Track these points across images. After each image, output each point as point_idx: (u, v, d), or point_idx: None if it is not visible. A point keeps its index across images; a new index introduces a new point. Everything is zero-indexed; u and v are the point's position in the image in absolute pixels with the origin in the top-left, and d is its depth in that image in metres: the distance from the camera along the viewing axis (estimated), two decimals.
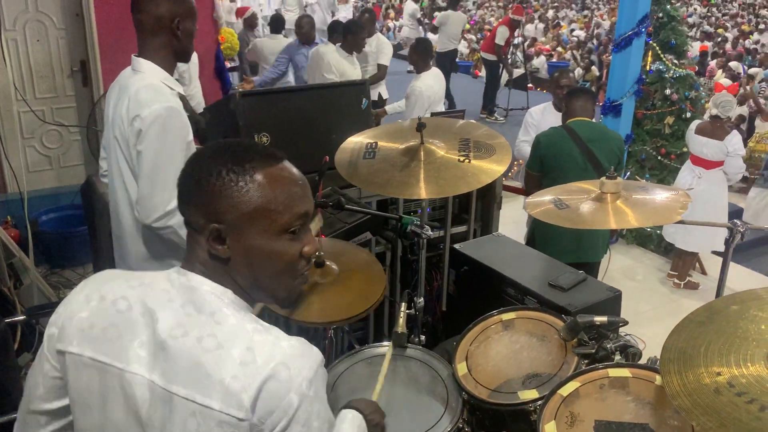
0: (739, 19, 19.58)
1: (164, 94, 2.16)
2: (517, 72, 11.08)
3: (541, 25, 18.75)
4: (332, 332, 2.67)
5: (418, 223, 2.12)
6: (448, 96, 9.03)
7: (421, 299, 2.24)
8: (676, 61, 5.81)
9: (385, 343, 2.08)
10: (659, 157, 5.91)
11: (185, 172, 1.19)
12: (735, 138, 5.02)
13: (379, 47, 6.59)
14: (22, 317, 2.74)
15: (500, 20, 11.70)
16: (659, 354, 1.46)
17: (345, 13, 11.33)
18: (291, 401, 1.07)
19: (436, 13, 13.65)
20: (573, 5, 24.66)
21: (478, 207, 3.47)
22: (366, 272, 2.14)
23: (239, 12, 9.29)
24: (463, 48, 14.65)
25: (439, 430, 1.74)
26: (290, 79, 6.58)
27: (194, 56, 4.00)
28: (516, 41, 10.82)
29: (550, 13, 21.33)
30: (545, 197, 2.08)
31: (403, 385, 1.93)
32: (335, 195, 2.41)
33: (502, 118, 9.92)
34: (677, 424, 1.53)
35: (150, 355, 1.13)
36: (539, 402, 1.70)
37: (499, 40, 9.65)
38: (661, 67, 5.78)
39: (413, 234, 2.12)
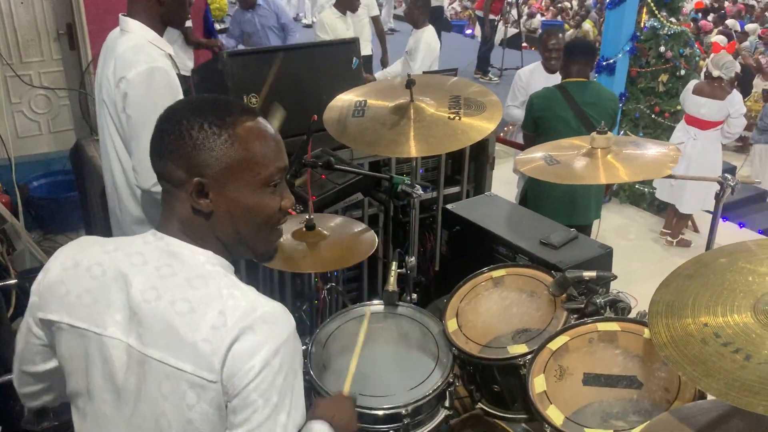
0: None
1: (151, 54, 2.11)
2: (512, 31, 10.94)
3: None
4: (326, 292, 2.69)
5: (409, 182, 2.11)
6: None
7: (413, 258, 2.24)
8: (671, 18, 5.74)
9: (376, 301, 2.09)
10: (653, 116, 5.88)
11: (161, 127, 1.17)
12: (737, 98, 4.98)
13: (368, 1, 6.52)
14: (13, 281, 2.74)
15: None
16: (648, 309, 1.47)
17: None
18: (252, 366, 1.07)
19: None
20: None
21: (471, 168, 3.45)
22: (357, 234, 2.14)
23: None
24: (456, 6, 14.43)
25: (429, 385, 1.76)
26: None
27: None
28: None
29: None
30: (536, 154, 2.07)
31: (394, 342, 1.94)
32: (325, 156, 2.39)
33: (496, 78, 9.83)
34: (664, 376, 1.55)
35: (125, 319, 1.14)
36: (528, 356, 1.72)
37: None
38: (655, 24, 5.71)
39: (405, 194, 2.11)
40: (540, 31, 13.18)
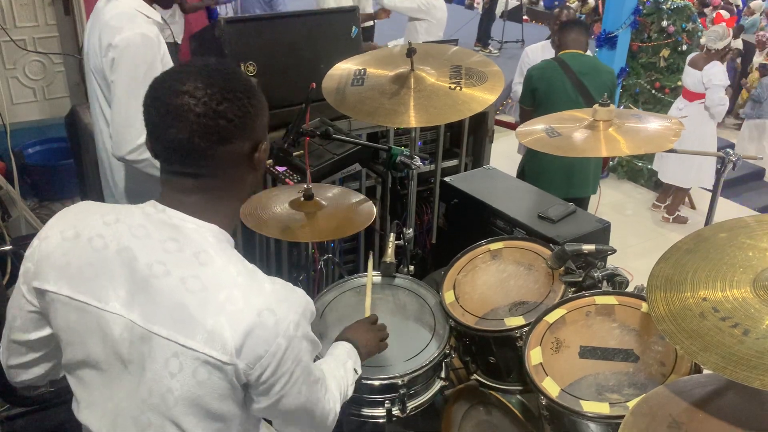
0: None
1: (137, 22, 2.07)
2: (513, 3, 10.81)
3: None
4: (322, 263, 2.69)
5: (408, 153, 2.09)
6: None
7: (411, 230, 2.23)
8: None
9: (373, 272, 2.09)
10: (653, 91, 5.85)
11: (213, 112, 1.09)
12: (714, 68, 4.91)
13: None
14: (8, 247, 2.73)
15: None
16: (646, 283, 1.46)
17: None
18: (279, 345, 1.08)
19: None
20: None
21: (470, 141, 3.43)
22: (355, 205, 2.12)
23: None
24: None
25: (426, 356, 1.77)
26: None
27: None
28: None
29: None
30: (537, 126, 2.05)
31: (391, 313, 1.94)
32: (323, 125, 2.37)
33: (496, 51, 9.74)
34: (661, 350, 1.55)
35: (128, 294, 1.12)
36: (525, 329, 1.72)
37: None
38: None
39: (403, 165, 2.09)
40: (542, 3, 13.03)
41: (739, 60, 8.49)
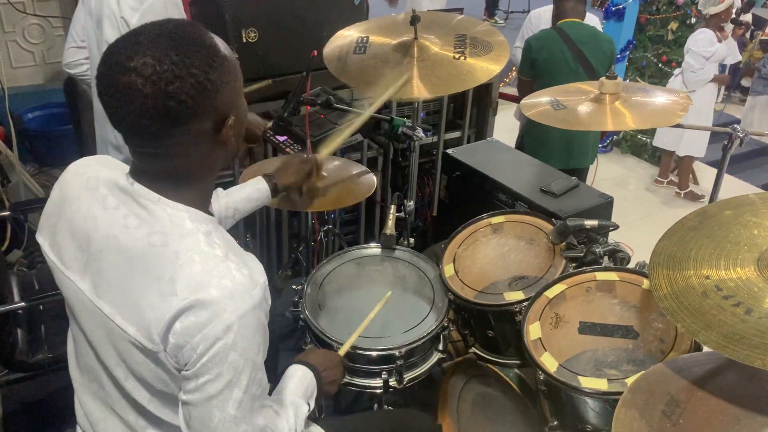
0: None
1: None
2: None
3: None
4: (322, 233, 2.67)
5: (410, 125, 2.07)
6: None
7: (411, 202, 2.21)
8: None
9: (373, 244, 2.07)
10: (660, 65, 5.77)
11: (162, 93, 0.99)
12: (699, 35, 4.83)
13: None
14: (7, 213, 2.71)
15: None
16: (647, 260, 1.45)
17: None
18: (200, 341, 1.00)
19: None
20: None
21: (473, 112, 3.39)
22: (356, 176, 2.10)
23: None
24: None
25: (424, 328, 1.76)
26: None
27: None
28: None
29: None
30: (542, 98, 2.01)
31: (390, 285, 1.93)
32: (324, 94, 2.33)
33: (502, 21, 9.60)
34: (661, 327, 1.54)
35: (83, 264, 1.11)
36: (525, 303, 1.71)
37: None
38: None
39: (405, 136, 2.07)
40: None
41: (748, 35, 8.37)
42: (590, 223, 1.80)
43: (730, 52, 5.17)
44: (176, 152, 1.06)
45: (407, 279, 1.97)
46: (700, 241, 1.36)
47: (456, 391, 2.00)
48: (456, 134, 3.35)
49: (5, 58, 4.44)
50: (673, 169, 5.42)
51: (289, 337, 2.38)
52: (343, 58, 1.99)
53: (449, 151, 2.76)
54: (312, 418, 1.41)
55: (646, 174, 5.67)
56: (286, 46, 2.75)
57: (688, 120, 1.84)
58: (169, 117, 1.00)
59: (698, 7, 4.79)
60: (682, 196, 5.25)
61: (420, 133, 2.05)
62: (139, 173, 1.10)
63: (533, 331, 1.62)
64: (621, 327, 1.59)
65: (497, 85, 3.37)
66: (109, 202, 1.10)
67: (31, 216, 2.99)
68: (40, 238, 1.20)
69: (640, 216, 4.89)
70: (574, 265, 1.82)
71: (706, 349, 1.39)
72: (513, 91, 4.89)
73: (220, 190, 1.64)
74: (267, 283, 1.09)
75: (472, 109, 3.34)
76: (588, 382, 1.46)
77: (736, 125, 1.90)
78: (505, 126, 4.30)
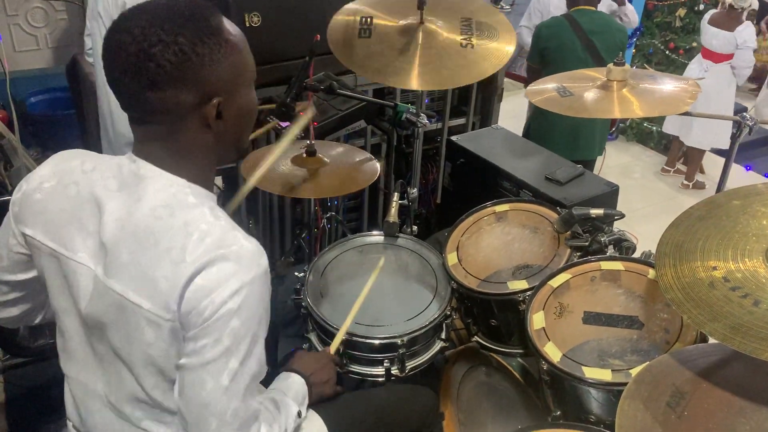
0: None
1: None
2: None
3: None
4: (325, 220, 2.66)
5: (414, 111, 2.04)
6: None
7: (415, 190, 2.19)
8: None
9: (376, 231, 2.06)
10: (667, 52, 5.71)
11: (143, 52, 1.00)
12: (747, 30, 4.78)
13: None
14: (9, 197, 2.71)
15: None
16: (652, 250, 1.43)
17: None
18: (208, 303, 1.00)
19: None
20: None
21: (478, 99, 3.36)
22: (359, 162, 2.08)
23: None
24: None
25: (426, 316, 1.75)
26: None
27: None
28: None
29: None
30: (548, 85, 1.99)
31: (393, 273, 1.92)
32: (328, 80, 2.30)
33: (508, 7, 9.51)
34: (666, 317, 1.53)
35: (96, 246, 1.09)
36: (528, 292, 1.70)
37: None
38: None
39: (409, 123, 2.04)
40: None
41: (755, 21, 8.29)
42: (596, 212, 1.78)
43: None
44: (159, 119, 1.06)
45: (410, 267, 1.95)
46: (707, 232, 1.34)
47: (458, 380, 2.00)
48: (461, 121, 3.32)
49: (8, 41, 4.42)
50: (679, 157, 5.38)
51: (290, 324, 2.37)
52: (349, 41, 1.96)
53: (453, 138, 2.74)
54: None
55: (652, 162, 5.63)
56: (290, 30, 2.72)
57: (710, 110, 1.82)
58: (146, 78, 1.01)
59: (735, 3, 4.71)
60: (690, 187, 5.21)
61: (424, 119, 2.02)
62: (139, 151, 1.10)
63: (537, 320, 1.61)
64: (626, 317, 1.57)
65: (503, 71, 3.34)
66: (110, 184, 1.10)
67: None
68: (28, 230, 1.15)
69: (646, 205, 4.86)
70: (578, 254, 1.80)
71: (711, 340, 1.38)
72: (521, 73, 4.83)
73: None
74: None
75: (477, 95, 3.31)
76: (592, 373, 1.45)
77: (745, 113, 1.87)
78: (511, 113, 4.27)
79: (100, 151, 2.50)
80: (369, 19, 2.00)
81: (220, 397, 1.04)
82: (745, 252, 1.26)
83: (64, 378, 1.30)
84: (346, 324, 1.66)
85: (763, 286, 1.19)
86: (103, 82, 2.30)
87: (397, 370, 1.73)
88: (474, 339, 1.91)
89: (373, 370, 1.74)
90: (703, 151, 5.20)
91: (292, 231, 3.04)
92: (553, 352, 1.52)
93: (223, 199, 3.30)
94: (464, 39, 1.92)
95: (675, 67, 5.67)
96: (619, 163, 5.46)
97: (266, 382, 1.28)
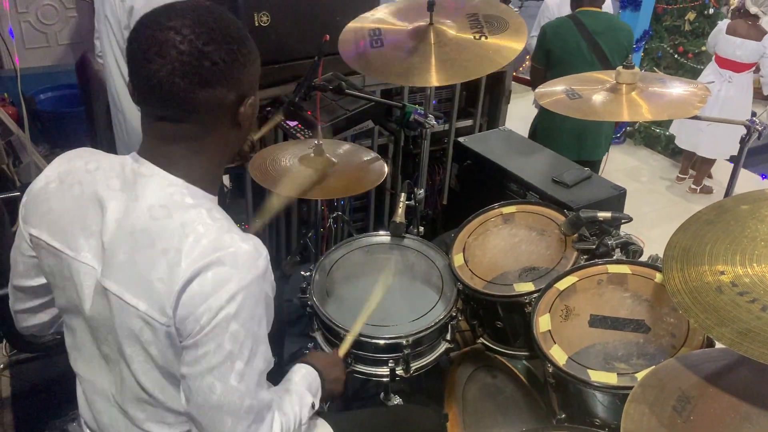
0: None
1: None
2: None
3: None
4: (331, 220, 2.66)
5: (422, 112, 2.04)
6: None
7: (422, 191, 2.20)
8: None
9: (382, 232, 2.06)
10: (676, 56, 5.68)
11: (198, 51, 1.02)
12: None
13: None
14: (17, 193, 2.72)
15: None
16: (659, 254, 1.42)
17: None
18: (203, 313, 1.00)
19: None
20: None
21: (486, 101, 3.36)
22: (366, 163, 2.08)
23: None
24: None
25: (432, 317, 1.75)
26: None
27: None
28: None
29: None
30: (557, 87, 1.98)
31: (399, 273, 1.92)
32: (336, 80, 2.31)
33: (516, 9, 9.51)
34: (673, 321, 1.52)
35: (98, 246, 1.10)
36: (535, 295, 1.70)
37: None
38: None
39: (417, 123, 2.04)
40: None
41: None
42: (603, 214, 1.78)
43: None
44: (194, 119, 1.07)
45: (416, 268, 1.95)
46: (715, 236, 1.33)
47: (463, 381, 1.99)
48: (468, 123, 3.32)
49: (18, 38, 4.44)
50: (692, 164, 5.34)
51: (296, 323, 2.37)
52: (363, 55, 1.96)
53: (461, 139, 2.73)
54: (318, 410, 1.41)
55: (659, 166, 5.61)
56: (299, 30, 2.72)
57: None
58: (200, 76, 1.02)
59: (759, 12, 4.66)
60: (698, 191, 5.18)
61: (432, 120, 2.02)
62: (150, 149, 1.11)
63: (543, 322, 1.61)
64: (632, 321, 1.57)
65: (510, 73, 3.33)
66: (113, 184, 1.10)
67: None
68: (33, 230, 1.15)
69: (653, 209, 4.84)
70: (585, 257, 1.80)
71: (718, 345, 1.38)
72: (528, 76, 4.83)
73: None
74: (268, 256, 1.09)
75: (484, 97, 3.31)
76: (597, 376, 1.45)
77: (754, 118, 1.87)
78: (518, 115, 4.26)
79: (109, 148, 2.51)
80: (377, 31, 2.01)
81: (232, 398, 1.04)
82: (754, 257, 1.25)
83: (69, 374, 1.30)
84: (355, 329, 1.65)
85: None
86: (113, 83, 2.31)
87: (402, 371, 1.73)
88: (479, 341, 1.91)
89: (377, 370, 1.74)
90: (714, 159, 5.18)
91: (298, 231, 3.04)
92: (558, 355, 1.52)
93: (230, 198, 3.31)
94: (476, 33, 1.92)
95: (684, 71, 5.64)
96: (626, 167, 5.44)
97: (272, 380, 1.28)
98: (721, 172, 5.34)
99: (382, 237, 2.05)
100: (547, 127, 3.46)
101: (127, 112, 2.31)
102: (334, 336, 1.73)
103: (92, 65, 3.32)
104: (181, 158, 1.09)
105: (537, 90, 2.05)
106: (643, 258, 1.80)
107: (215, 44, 1.02)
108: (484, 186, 2.58)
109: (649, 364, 1.43)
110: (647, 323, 1.55)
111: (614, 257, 1.76)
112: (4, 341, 2.48)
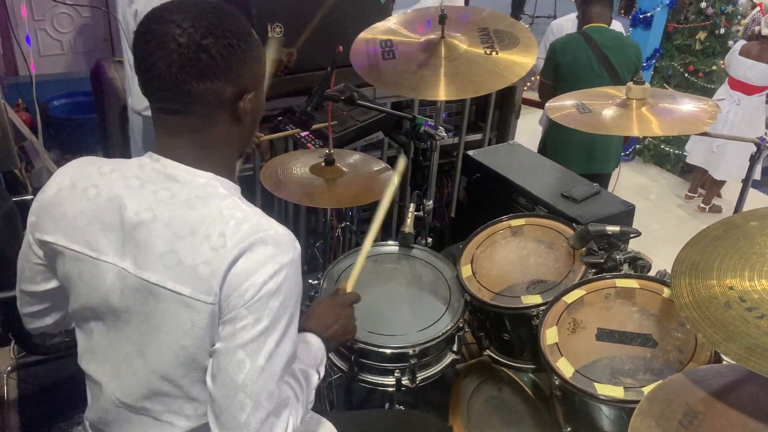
0: None
1: None
2: None
3: None
4: (340, 230, 2.67)
5: (432, 124, 2.06)
6: None
7: (431, 202, 2.20)
8: None
9: (391, 242, 2.07)
10: (686, 74, 5.69)
11: (196, 44, 1.05)
12: None
13: None
14: (30, 197, 2.75)
15: None
16: (668, 270, 1.42)
17: None
18: (249, 286, 1.04)
19: None
20: None
21: (496, 115, 3.37)
22: (376, 173, 2.10)
23: None
24: None
25: (439, 328, 1.75)
26: None
27: None
28: None
29: None
30: (567, 101, 2.00)
31: (406, 284, 1.93)
32: (348, 91, 2.33)
33: (527, 26, 9.54)
34: (681, 336, 1.52)
35: (120, 242, 1.11)
36: (542, 307, 1.70)
37: None
38: None
39: (427, 135, 2.06)
40: None
41: None
42: (612, 228, 1.78)
43: None
44: (197, 111, 1.10)
45: (423, 278, 1.96)
46: (724, 251, 1.33)
47: (468, 393, 1.99)
48: (477, 136, 3.33)
49: (34, 45, 4.49)
50: (702, 183, 5.32)
51: None
52: (375, 66, 1.98)
53: (470, 152, 2.74)
54: (322, 411, 1.41)
55: (668, 184, 5.60)
56: (312, 41, 2.75)
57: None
58: (197, 69, 1.05)
59: None
60: (707, 210, 5.17)
61: (442, 132, 2.04)
62: (164, 146, 1.13)
63: (550, 335, 1.61)
64: (639, 335, 1.56)
65: (521, 88, 3.35)
66: (131, 183, 1.12)
67: None
68: (48, 236, 1.16)
69: (662, 227, 4.83)
70: (593, 270, 1.80)
71: (725, 360, 1.37)
72: (536, 96, 4.86)
73: None
74: None
75: (494, 111, 3.32)
76: (604, 390, 1.44)
77: (764, 137, 1.87)
78: (528, 130, 4.27)
79: (121, 155, 2.53)
80: (388, 42, 2.03)
81: (257, 379, 1.06)
82: (762, 273, 1.25)
83: (75, 378, 1.32)
84: (359, 261, 1.67)
85: None
86: (130, 89, 2.34)
87: (407, 381, 1.73)
88: (486, 353, 1.91)
89: (383, 379, 1.74)
90: (725, 181, 5.16)
91: (306, 240, 3.05)
92: (565, 368, 1.52)
93: None
94: (487, 48, 1.93)
95: (694, 89, 5.64)
96: (635, 184, 5.44)
97: None
98: (731, 191, 5.32)
99: (391, 247, 2.06)
100: (557, 141, 3.47)
101: (145, 119, 2.35)
102: (342, 343, 1.73)
103: (106, 73, 3.36)
104: (203, 150, 1.13)
105: (548, 104, 2.06)
106: (651, 273, 1.80)
107: (213, 38, 1.05)
108: (492, 200, 2.59)
109: (656, 378, 1.43)
110: (655, 338, 1.55)
111: (622, 271, 1.76)
112: (12, 344, 2.49)
